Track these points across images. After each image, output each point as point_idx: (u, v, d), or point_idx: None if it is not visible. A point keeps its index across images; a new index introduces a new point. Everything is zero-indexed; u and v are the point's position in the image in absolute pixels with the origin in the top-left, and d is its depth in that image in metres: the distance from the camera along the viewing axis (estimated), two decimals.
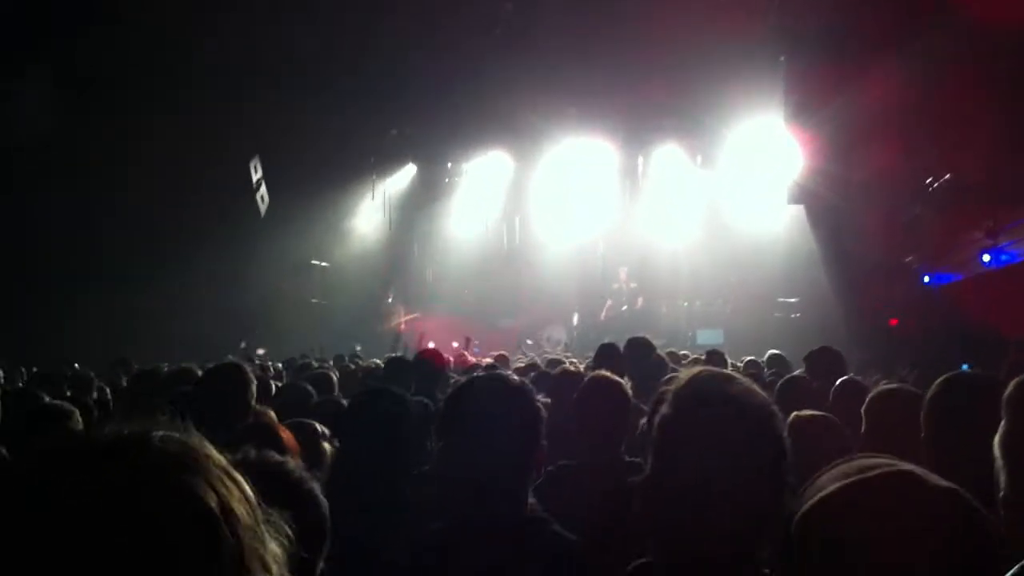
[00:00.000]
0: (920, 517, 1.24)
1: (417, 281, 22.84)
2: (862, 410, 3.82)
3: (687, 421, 1.81)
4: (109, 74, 15.38)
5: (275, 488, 1.38)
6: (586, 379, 4.65)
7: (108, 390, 7.71)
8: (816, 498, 1.32)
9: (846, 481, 1.30)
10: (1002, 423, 2.15)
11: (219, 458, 1.02)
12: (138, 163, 16.13)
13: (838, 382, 5.25)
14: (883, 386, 3.91)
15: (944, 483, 1.27)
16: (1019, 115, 11.82)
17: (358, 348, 15.81)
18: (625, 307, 20.32)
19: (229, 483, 1.00)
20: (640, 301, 20.25)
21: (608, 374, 4.52)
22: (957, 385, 2.84)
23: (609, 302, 20.50)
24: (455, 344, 16.16)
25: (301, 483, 1.89)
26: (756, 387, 1.85)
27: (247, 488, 1.04)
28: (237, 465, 1.05)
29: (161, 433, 0.99)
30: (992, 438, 2.16)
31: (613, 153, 21.22)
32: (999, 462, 2.10)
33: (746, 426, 1.78)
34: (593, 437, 4.18)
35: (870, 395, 3.89)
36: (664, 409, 1.85)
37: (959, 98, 12.05)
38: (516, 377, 2.77)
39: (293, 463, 1.90)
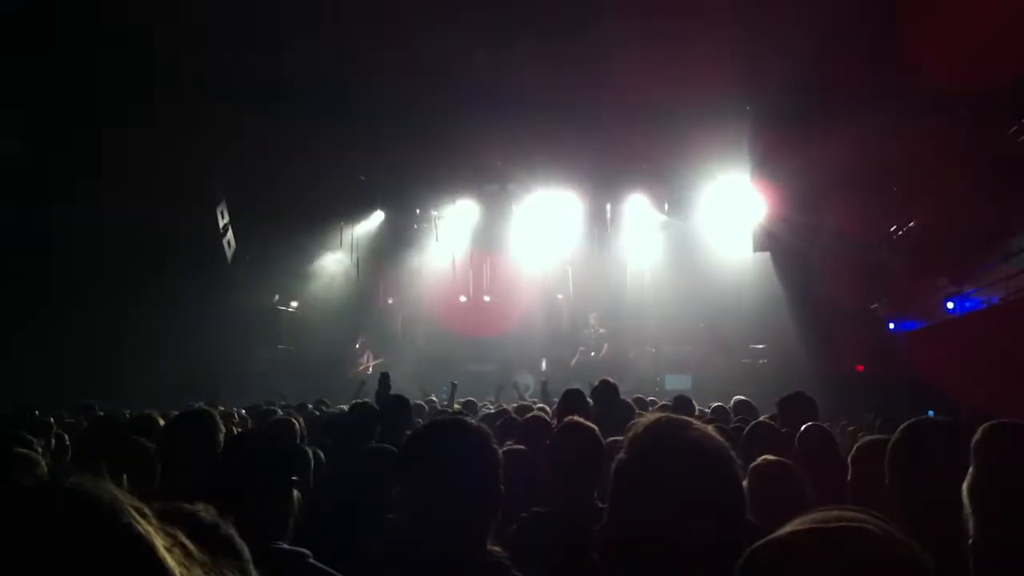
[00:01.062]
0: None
1: (385, 327, 22.74)
2: (849, 459, 3.82)
3: (644, 468, 1.79)
4: (70, 118, 15.28)
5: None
6: (559, 425, 4.62)
7: (67, 437, 7.55)
8: (773, 536, 1.29)
9: (807, 526, 1.27)
10: (970, 470, 2.14)
11: (138, 507, 0.97)
12: (101, 204, 15.99)
13: (802, 428, 5.24)
14: (869, 438, 3.91)
15: (906, 551, 1.23)
16: (980, 168, 12.05)
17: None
18: (593, 352, 20.33)
19: (150, 530, 0.95)
20: (605, 347, 20.29)
21: (581, 420, 4.48)
22: (919, 431, 2.84)
23: (581, 348, 20.52)
24: None
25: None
26: (714, 433, 1.84)
27: (176, 538, 0.99)
28: (167, 515, 1.00)
29: (73, 481, 0.94)
30: (955, 484, 2.14)
31: (581, 200, 21.34)
32: (967, 508, 2.08)
33: (703, 472, 1.76)
34: (568, 484, 4.13)
35: (857, 445, 3.89)
36: (621, 456, 1.83)
37: (922, 151, 12.26)
38: (474, 422, 2.74)
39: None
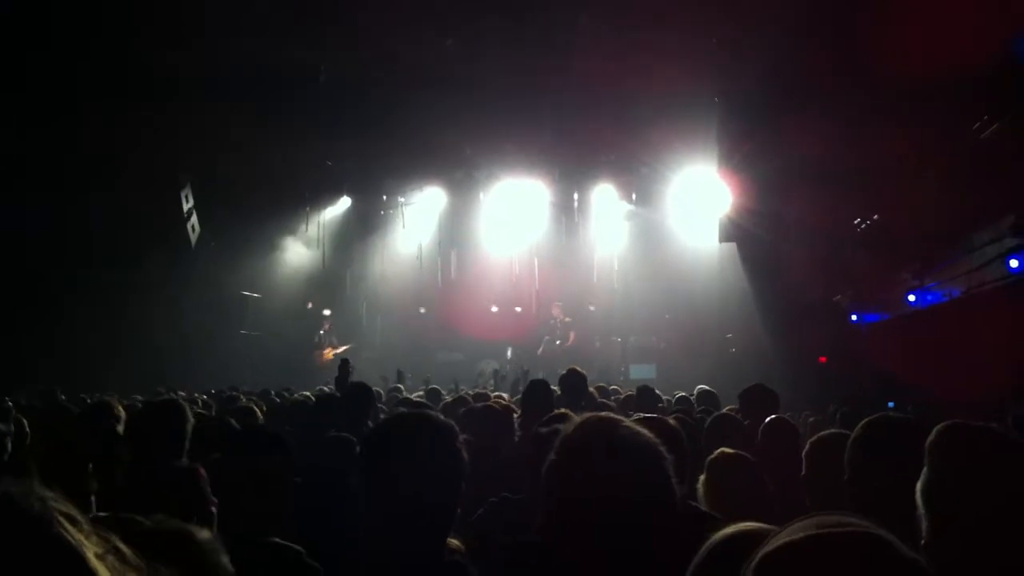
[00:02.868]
0: None
1: (351, 314, 22.64)
2: (803, 454, 3.84)
3: (574, 466, 1.80)
4: (36, 100, 15.03)
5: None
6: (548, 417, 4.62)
7: (26, 423, 7.43)
8: (782, 541, 1.27)
9: (816, 531, 1.26)
10: (924, 470, 2.15)
11: (68, 513, 0.95)
12: (63, 189, 15.78)
13: (766, 420, 5.28)
14: (821, 433, 3.93)
15: (911, 555, 1.24)
16: (944, 162, 12.16)
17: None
18: (559, 342, 20.37)
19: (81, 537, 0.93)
20: (573, 336, 20.34)
21: (566, 411, 4.48)
22: (877, 428, 2.85)
23: (547, 337, 20.55)
24: None
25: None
26: (643, 429, 1.85)
27: (111, 543, 0.97)
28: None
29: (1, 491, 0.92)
30: (911, 483, 2.15)
31: (548, 189, 21.34)
32: (921, 509, 2.09)
33: (633, 469, 1.78)
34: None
35: (810, 440, 3.91)
36: (551, 456, 1.84)
37: (886, 145, 12.36)
38: (441, 417, 2.72)
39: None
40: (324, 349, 20.87)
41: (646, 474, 1.79)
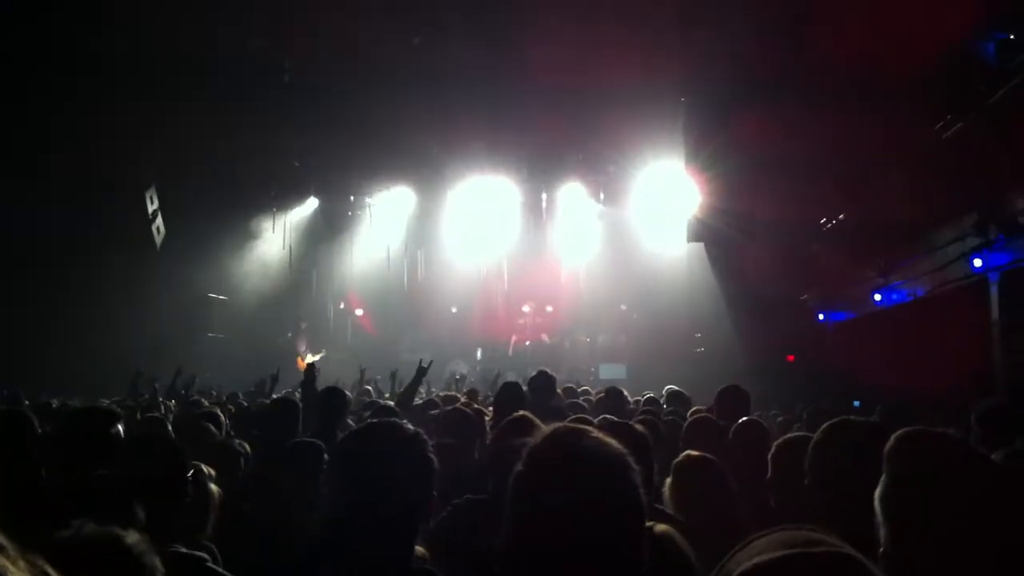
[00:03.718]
0: None
1: (319, 315, 22.52)
2: (768, 457, 3.85)
3: (541, 478, 1.80)
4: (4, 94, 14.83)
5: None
6: (507, 420, 4.60)
7: None
8: (755, 561, 1.25)
9: (790, 551, 1.24)
10: (882, 477, 2.14)
11: None
12: (27, 187, 15.57)
13: (738, 423, 5.29)
14: (787, 436, 3.94)
15: None
16: (909, 162, 12.27)
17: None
18: (528, 342, 20.39)
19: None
20: (545, 336, 20.37)
21: (526, 415, 4.46)
22: (839, 432, 2.85)
23: (515, 337, 20.56)
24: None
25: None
26: (610, 439, 1.85)
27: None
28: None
29: None
30: (871, 489, 2.14)
31: (517, 188, 21.33)
32: (879, 517, 2.08)
33: (600, 479, 1.78)
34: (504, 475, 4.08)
35: (776, 443, 3.92)
36: (518, 467, 1.84)
37: (852, 144, 12.46)
38: (411, 428, 2.70)
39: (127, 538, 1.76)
40: (298, 358, 20.71)
41: (614, 484, 1.79)
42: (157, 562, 1.65)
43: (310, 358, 19.62)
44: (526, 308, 20.76)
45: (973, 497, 2.03)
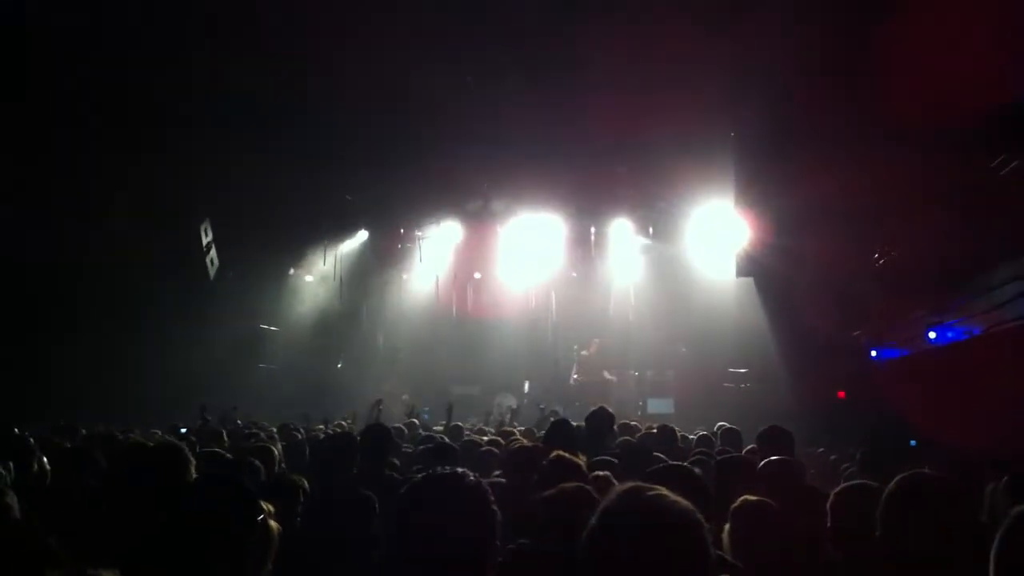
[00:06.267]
0: None
1: (368, 347, 22.64)
2: (827, 505, 3.84)
3: (614, 536, 1.86)
4: (61, 133, 15.19)
5: None
6: (546, 461, 4.62)
7: (46, 459, 7.42)
8: None
9: None
10: (998, 538, 2.09)
11: None
12: (87, 222, 15.92)
13: (764, 462, 5.27)
14: (845, 484, 3.93)
15: None
16: (960, 201, 12.15)
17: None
18: (576, 376, 20.33)
19: None
20: (607, 374, 20.24)
21: (566, 455, 4.48)
22: (912, 486, 2.83)
23: (575, 371, 20.50)
24: None
25: None
26: (681, 499, 1.89)
27: None
28: None
29: None
30: (946, 543, 2.14)
31: (565, 223, 21.37)
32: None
33: (672, 539, 1.85)
34: (555, 522, 4.08)
35: (834, 492, 3.91)
36: (592, 522, 1.89)
37: (903, 183, 12.36)
38: (474, 478, 2.71)
39: None
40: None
41: (684, 543, 1.83)
42: None
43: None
44: (594, 345, 20.59)
45: None
